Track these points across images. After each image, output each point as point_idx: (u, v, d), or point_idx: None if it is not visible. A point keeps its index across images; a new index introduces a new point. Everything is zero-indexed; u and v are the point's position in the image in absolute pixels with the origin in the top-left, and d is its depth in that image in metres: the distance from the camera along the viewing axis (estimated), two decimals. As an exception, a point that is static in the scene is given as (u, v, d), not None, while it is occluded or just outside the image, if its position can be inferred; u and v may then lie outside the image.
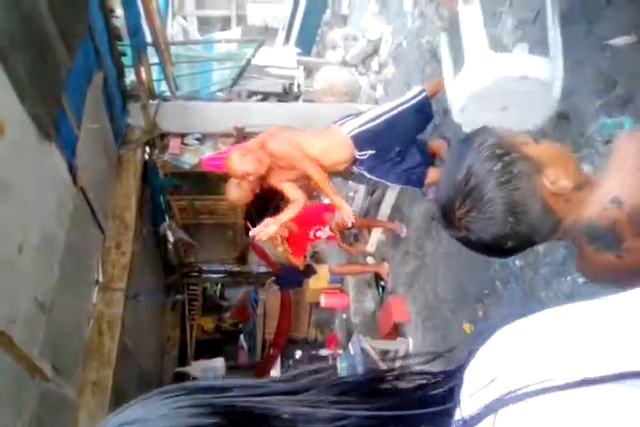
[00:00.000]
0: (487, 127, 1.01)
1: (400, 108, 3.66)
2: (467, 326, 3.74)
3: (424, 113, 3.76)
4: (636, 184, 0.86)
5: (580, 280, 2.55)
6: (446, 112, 4.03)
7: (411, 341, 4.72)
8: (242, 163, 3.50)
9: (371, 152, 3.67)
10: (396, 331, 4.95)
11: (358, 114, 3.81)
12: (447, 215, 0.98)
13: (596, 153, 2.44)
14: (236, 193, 3.83)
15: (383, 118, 3.65)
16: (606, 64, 2.37)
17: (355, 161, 3.73)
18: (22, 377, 2.79)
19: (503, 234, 0.94)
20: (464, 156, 0.96)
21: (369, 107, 6.02)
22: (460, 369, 0.65)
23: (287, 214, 3.65)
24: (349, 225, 3.83)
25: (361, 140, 3.64)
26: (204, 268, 8.40)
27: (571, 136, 2.61)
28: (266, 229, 3.57)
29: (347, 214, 3.65)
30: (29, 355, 2.82)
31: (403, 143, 3.76)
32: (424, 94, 3.67)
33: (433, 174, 3.82)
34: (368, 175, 3.81)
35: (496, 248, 0.97)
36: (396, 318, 4.87)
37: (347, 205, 3.81)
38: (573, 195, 0.92)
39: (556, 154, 0.97)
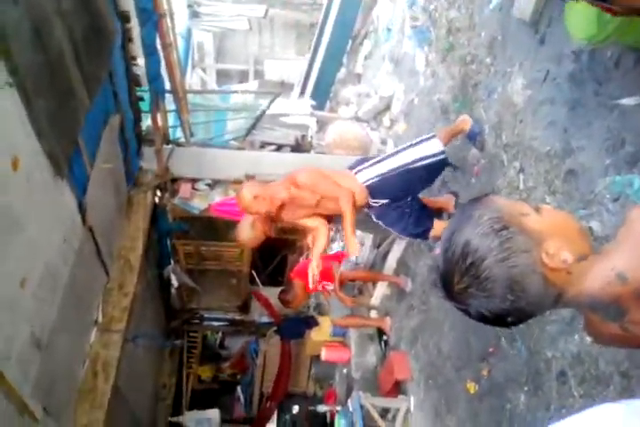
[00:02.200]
0: (489, 197, 0.99)
1: (418, 164, 3.67)
2: (470, 386, 3.64)
3: (439, 170, 3.85)
4: None
5: (588, 339, 2.50)
6: (455, 168, 4.08)
7: (412, 399, 4.58)
8: (253, 202, 3.48)
9: (384, 201, 3.72)
10: (397, 388, 4.82)
11: (372, 159, 3.82)
12: (446, 287, 0.97)
13: (605, 210, 2.44)
14: (248, 233, 3.80)
15: (399, 171, 3.67)
16: (615, 123, 2.41)
17: (367, 206, 3.79)
18: (11, 416, 2.70)
19: (502, 310, 0.93)
20: (463, 228, 0.95)
21: (382, 150, 6.12)
22: None
23: (319, 245, 3.68)
24: (354, 258, 3.98)
25: (375, 189, 3.69)
26: (206, 315, 8.30)
27: (580, 193, 2.62)
28: (314, 268, 3.61)
29: (353, 249, 3.62)
30: (20, 393, 2.75)
31: (414, 194, 3.82)
32: (444, 156, 3.70)
33: (439, 228, 3.81)
34: (376, 221, 3.84)
35: (496, 321, 0.96)
36: (398, 375, 4.74)
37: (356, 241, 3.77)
38: (576, 266, 0.90)
39: (558, 223, 0.96)
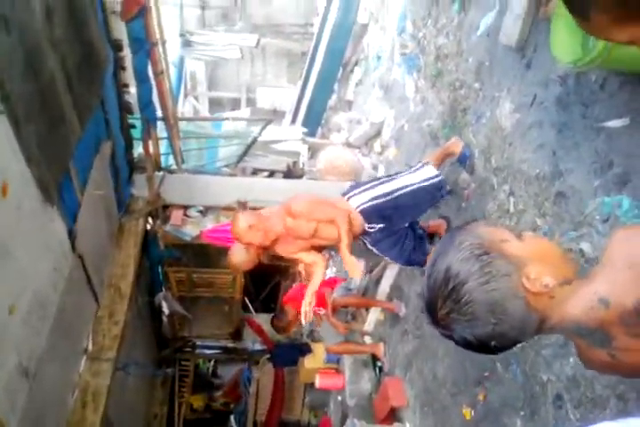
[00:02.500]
0: (471, 224, 1.00)
1: (411, 188, 3.63)
2: (466, 411, 3.59)
3: (436, 194, 3.74)
4: (625, 284, 0.84)
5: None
6: (450, 192, 4.08)
7: (408, 426, 4.51)
8: (248, 231, 3.43)
9: (380, 226, 3.64)
10: (392, 415, 4.74)
11: (365, 184, 3.77)
12: (431, 313, 0.98)
13: (595, 231, 2.44)
14: (241, 256, 3.72)
15: (394, 195, 3.62)
16: (602, 145, 2.43)
17: (362, 232, 3.70)
18: (-4, 448, 2.64)
19: (485, 335, 0.92)
20: (445, 254, 0.95)
21: (373, 176, 6.15)
22: None
23: (316, 280, 3.61)
24: (357, 279, 3.93)
25: (369, 214, 3.61)
26: (198, 343, 8.21)
27: (570, 215, 2.63)
28: (307, 305, 3.56)
29: (354, 272, 3.58)
30: (6, 423, 2.69)
31: (411, 219, 3.79)
32: (440, 178, 3.66)
33: None
34: (370, 247, 3.77)
35: (481, 348, 0.95)
36: (394, 402, 4.67)
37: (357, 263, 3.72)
38: (559, 290, 0.90)
39: (540, 249, 0.96)
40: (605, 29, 0.89)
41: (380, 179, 3.88)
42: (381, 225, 3.65)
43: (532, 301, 0.90)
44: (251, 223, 3.42)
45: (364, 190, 3.70)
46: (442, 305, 0.94)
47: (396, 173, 3.80)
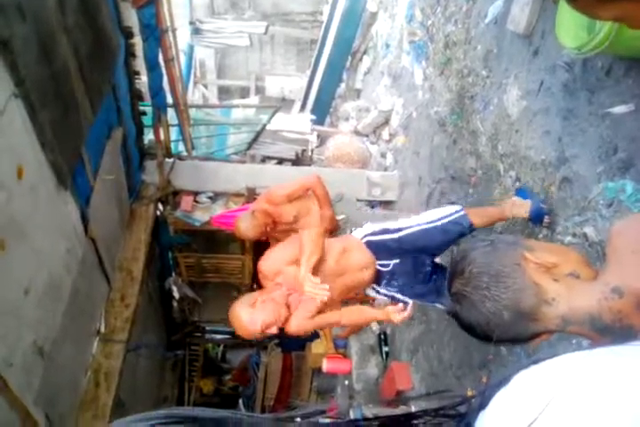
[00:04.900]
0: None
1: (437, 223, 2.98)
2: (471, 394, 3.65)
3: (453, 229, 2.98)
4: (633, 270, 0.85)
5: (585, 343, 2.52)
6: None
7: (414, 409, 4.57)
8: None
9: (394, 262, 3.03)
10: (399, 399, 4.82)
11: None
12: (449, 289, 1.04)
13: (599, 216, 2.48)
14: (248, 222, 3.74)
15: (402, 231, 3.01)
16: (607, 131, 2.46)
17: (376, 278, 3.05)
18: (14, 424, 2.73)
19: (487, 310, 0.95)
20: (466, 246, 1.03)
21: (381, 163, 6.18)
22: (473, 411, 0.66)
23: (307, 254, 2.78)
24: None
25: (376, 248, 3.03)
26: (208, 328, 8.30)
27: (574, 200, 2.66)
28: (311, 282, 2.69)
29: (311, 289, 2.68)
30: (23, 401, 2.77)
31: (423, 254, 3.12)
32: (461, 214, 2.96)
33: None
34: (392, 294, 3.11)
35: (482, 328, 0.97)
36: (400, 386, 4.74)
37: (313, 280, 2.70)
38: (564, 278, 0.93)
39: (553, 246, 1.03)
40: (591, 8, 0.92)
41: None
42: (396, 261, 3.03)
43: (533, 274, 0.93)
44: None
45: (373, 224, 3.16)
46: (454, 279, 1.00)
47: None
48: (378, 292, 3.13)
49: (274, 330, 2.70)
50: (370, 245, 3.01)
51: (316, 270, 2.76)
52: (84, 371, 3.83)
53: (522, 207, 2.92)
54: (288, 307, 2.74)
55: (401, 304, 2.81)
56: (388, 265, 3.03)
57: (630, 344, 0.69)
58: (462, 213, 2.96)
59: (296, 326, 2.78)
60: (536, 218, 2.89)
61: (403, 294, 3.09)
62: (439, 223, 2.96)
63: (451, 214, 2.96)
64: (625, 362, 0.64)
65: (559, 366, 0.65)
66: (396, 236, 2.99)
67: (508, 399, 0.64)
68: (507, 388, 0.65)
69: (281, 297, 2.73)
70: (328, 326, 3.14)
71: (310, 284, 2.64)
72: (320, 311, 2.81)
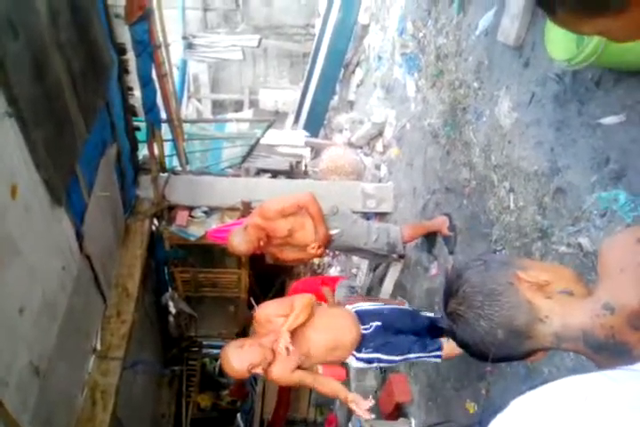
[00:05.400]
0: None
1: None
2: (470, 406, 3.63)
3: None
4: (623, 288, 0.86)
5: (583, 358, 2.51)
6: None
7: (413, 421, 4.55)
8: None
9: (376, 324, 3.37)
10: (398, 411, 4.79)
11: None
12: (444, 309, 1.04)
13: (593, 226, 2.49)
14: (240, 238, 3.86)
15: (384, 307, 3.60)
16: (599, 141, 2.47)
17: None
18: (9, 445, 2.70)
19: (482, 329, 0.95)
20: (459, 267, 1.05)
21: (375, 175, 6.20)
22: None
23: (294, 320, 3.13)
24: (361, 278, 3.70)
25: (362, 314, 3.45)
26: (205, 342, 8.26)
27: (568, 210, 2.67)
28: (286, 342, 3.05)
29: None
30: (19, 421, 2.74)
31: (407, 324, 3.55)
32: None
33: (449, 349, 3.49)
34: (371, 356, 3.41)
35: (477, 347, 0.98)
36: (399, 398, 4.72)
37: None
38: (559, 296, 0.93)
39: (545, 265, 1.03)
40: (572, 23, 0.94)
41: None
42: (378, 323, 3.38)
43: (526, 292, 0.93)
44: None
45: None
46: (449, 299, 1.00)
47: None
48: (359, 359, 3.40)
49: (259, 371, 3.02)
50: (357, 312, 3.43)
51: (302, 330, 3.15)
52: (81, 389, 3.80)
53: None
54: (273, 352, 3.04)
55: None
56: (369, 328, 3.35)
57: (623, 369, 0.69)
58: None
59: (278, 375, 3.12)
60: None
61: (384, 353, 3.37)
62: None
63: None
64: (619, 387, 0.64)
65: (554, 391, 0.65)
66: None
67: (505, 425, 0.64)
68: (503, 413, 0.65)
69: (268, 342, 3.06)
70: (303, 386, 3.48)
71: (283, 341, 3.00)
72: (300, 367, 3.17)
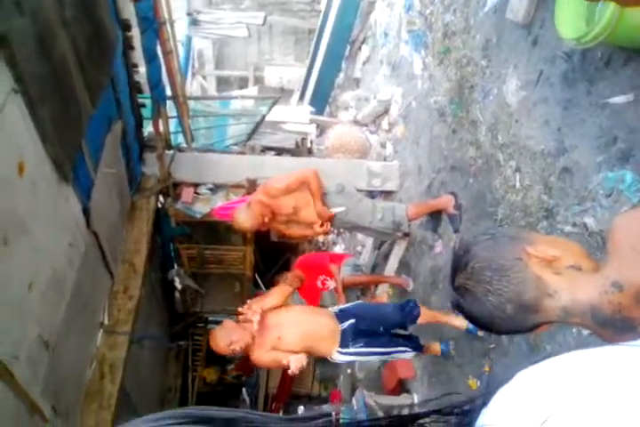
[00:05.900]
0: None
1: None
2: (472, 382, 3.69)
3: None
4: (633, 266, 0.86)
5: (585, 332, 2.55)
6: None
7: (415, 396, 4.62)
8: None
9: (351, 321, 3.68)
10: (400, 387, 4.86)
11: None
12: (452, 284, 1.04)
13: (599, 206, 2.49)
14: (245, 214, 3.97)
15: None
16: (606, 121, 2.46)
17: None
18: (21, 415, 2.76)
19: (491, 303, 0.96)
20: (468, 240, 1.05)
21: (381, 153, 6.19)
22: (475, 409, 0.68)
23: (268, 300, 3.71)
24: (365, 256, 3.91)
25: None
26: (210, 318, 8.33)
27: (574, 190, 2.68)
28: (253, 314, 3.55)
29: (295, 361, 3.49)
30: (30, 393, 2.80)
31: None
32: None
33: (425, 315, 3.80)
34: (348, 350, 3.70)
35: (486, 319, 1.00)
36: (402, 374, 4.79)
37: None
38: (566, 270, 0.94)
39: (554, 240, 1.02)
40: None
41: None
42: (352, 320, 3.70)
43: (534, 267, 0.94)
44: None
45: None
46: (457, 273, 1.01)
47: None
48: (344, 353, 3.67)
49: (237, 348, 3.47)
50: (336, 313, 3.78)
51: (277, 316, 3.61)
52: (89, 363, 3.86)
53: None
54: (253, 337, 3.51)
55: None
56: (343, 325, 3.67)
57: (627, 344, 0.70)
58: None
59: (255, 356, 3.59)
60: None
61: (370, 346, 3.65)
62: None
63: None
64: (623, 360, 0.66)
65: (559, 364, 0.67)
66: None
67: (509, 397, 0.66)
68: (508, 386, 0.67)
69: (250, 326, 3.50)
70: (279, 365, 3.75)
71: (252, 310, 3.53)
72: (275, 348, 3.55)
